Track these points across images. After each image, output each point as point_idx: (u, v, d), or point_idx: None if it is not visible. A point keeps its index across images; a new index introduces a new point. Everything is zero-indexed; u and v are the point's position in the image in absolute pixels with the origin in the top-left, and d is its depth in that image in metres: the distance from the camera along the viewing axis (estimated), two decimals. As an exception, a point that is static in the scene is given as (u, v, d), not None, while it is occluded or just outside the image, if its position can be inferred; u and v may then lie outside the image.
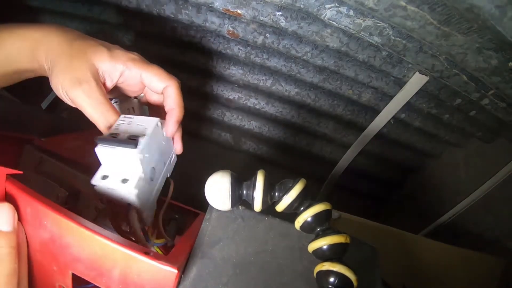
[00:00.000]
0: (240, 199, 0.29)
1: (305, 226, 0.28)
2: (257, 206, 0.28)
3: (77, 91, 0.28)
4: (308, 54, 0.61)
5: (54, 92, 0.30)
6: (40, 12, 0.77)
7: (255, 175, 0.28)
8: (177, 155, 0.36)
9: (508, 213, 0.61)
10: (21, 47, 0.30)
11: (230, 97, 0.78)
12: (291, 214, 0.29)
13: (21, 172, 0.25)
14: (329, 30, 0.54)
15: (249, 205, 0.29)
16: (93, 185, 0.27)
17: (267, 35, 0.60)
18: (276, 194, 0.28)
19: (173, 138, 0.34)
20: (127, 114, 0.30)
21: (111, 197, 0.28)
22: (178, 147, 0.34)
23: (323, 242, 0.26)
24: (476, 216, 0.66)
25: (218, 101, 0.80)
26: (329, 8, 0.49)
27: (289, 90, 0.72)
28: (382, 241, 0.58)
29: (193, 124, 0.86)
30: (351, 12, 0.49)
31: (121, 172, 0.27)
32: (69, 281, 0.26)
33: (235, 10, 0.55)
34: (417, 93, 0.60)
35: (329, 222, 0.28)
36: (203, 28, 0.62)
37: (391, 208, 0.91)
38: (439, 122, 0.70)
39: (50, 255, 0.26)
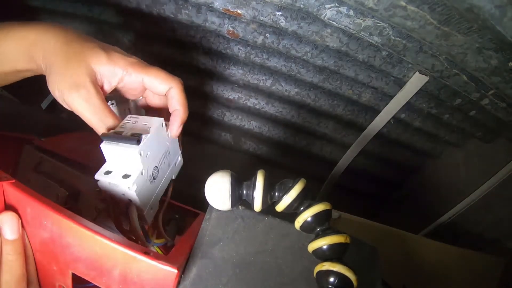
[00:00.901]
0: (240, 199, 0.29)
1: (305, 226, 0.28)
2: (257, 206, 0.28)
3: (74, 96, 0.27)
4: (308, 54, 0.61)
5: None
6: (40, 12, 0.77)
7: (255, 175, 0.28)
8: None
9: (508, 213, 0.60)
10: (18, 47, 0.30)
11: (230, 97, 0.78)
12: (291, 214, 0.29)
13: (13, 180, 0.26)
14: (329, 30, 0.54)
15: (249, 205, 0.29)
16: (96, 180, 0.28)
17: (267, 35, 0.60)
18: (276, 194, 0.28)
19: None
20: (124, 116, 0.31)
21: (113, 192, 0.28)
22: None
23: (323, 242, 0.26)
24: (476, 216, 0.66)
25: (218, 101, 0.80)
26: (329, 8, 0.49)
27: (289, 90, 0.72)
28: (382, 241, 0.58)
29: (193, 124, 0.86)
30: (351, 12, 0.49)
31: (124, 169, 0.28)
32: (69, 281, 0.26)
33: (235, 10, 0.55)
34: (417, 93, 0.60)
35: (329, 222, 0.28)
36: (203, 28, 0.62)
37: (391, 208, 0.91)
38: (439, 122, 0.70)
39: (50, 255, 0.26)
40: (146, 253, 0.24)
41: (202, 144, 0.89)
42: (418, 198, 0.83)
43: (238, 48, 0.66)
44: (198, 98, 0.79)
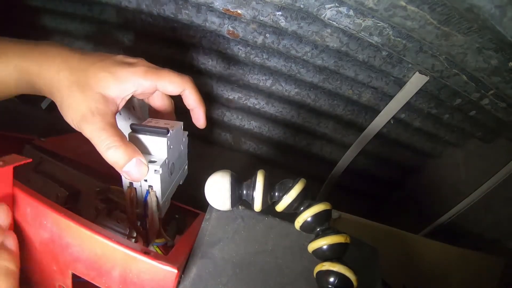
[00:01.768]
0: (240, 199, 0.29)
1: (305, 226, 0.28)
2: (257, 206, 0.28)
3: (84, 127, 0.27)
4: (308, 54, 0.61)
5: None
6: (40, 12, 0.77)
7: (255, 175, 0.28)
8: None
9: (508, 213, 0.61)
10: (19, 79, 0.29)
11: (230, 97, 0.78)
12: (291, 214, 0.29)
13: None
14: (329, 30, 0.54)
15: (249, 205, 0.29)
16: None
17: (267, 35, 0.60)
18: (276, 194, 0.28)
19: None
20: (129, 113, 0.31)
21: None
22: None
23: (323, 242, 0.26)
24: (476, 216, 0.66)
25: (218, 101, 0.80)
26: (329, 8, 0.49)
27: (289, 90, 0.72)
28: (382, 241, 0.58)
29: (193, 124, 0.86)
30: (351, 12, 0.49)
31: (149, 157, 0.30)
32: (69, 281, 0.26)
33: (235, 10, 0.55)
34: (417, 93, 0.60)
35: (329, 222, 0.28)
36: (203, 28, 0.62)
37: (391, 208, 0.91)
38: (439, 122, 0.70)
39: (50, 255, 0.26)
40: (146, 253, 0.24)
41: (202, 144, 0.89)
42: (418, 198, 0.83)
43: (238, 48, 0.66)
44: (198, 98, 0.79)
